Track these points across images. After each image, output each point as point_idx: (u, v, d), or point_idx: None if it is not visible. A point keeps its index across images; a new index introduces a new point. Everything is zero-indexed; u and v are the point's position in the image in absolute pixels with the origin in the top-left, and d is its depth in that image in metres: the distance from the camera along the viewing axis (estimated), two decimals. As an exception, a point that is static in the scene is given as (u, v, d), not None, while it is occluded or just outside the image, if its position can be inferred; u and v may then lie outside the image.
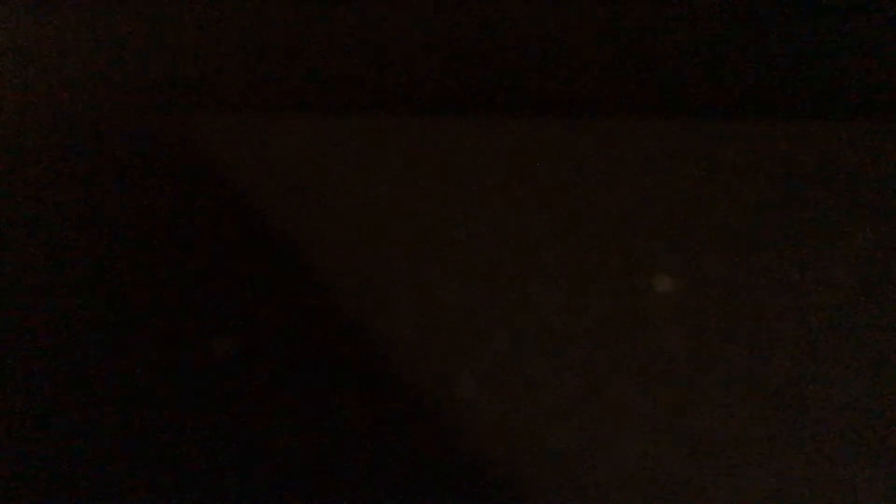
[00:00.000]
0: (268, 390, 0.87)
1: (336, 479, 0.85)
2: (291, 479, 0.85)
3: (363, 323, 0.88)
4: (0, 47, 0.96)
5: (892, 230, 0.90)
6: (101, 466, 0.85)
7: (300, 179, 0.92)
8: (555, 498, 0.84)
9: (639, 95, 0.94)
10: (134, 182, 0.92)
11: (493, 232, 0.91)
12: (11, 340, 0.88)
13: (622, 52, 0.95)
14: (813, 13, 0.94)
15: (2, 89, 0.95)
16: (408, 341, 0.88)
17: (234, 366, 0.87)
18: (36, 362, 0.87)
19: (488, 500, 0.84)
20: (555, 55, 0.95)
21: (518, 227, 0.91)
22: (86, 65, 0.95)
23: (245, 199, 0.92)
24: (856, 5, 0.94)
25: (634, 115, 0.93)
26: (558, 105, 0.94)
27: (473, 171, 0.92)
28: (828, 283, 0.89)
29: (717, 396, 0.86)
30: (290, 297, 0.89)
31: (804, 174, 0.91)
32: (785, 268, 0.90)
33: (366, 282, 0.90)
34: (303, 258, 0.90)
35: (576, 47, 0.95)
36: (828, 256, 0.90)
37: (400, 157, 0.93)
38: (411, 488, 0.85)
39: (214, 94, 0.95)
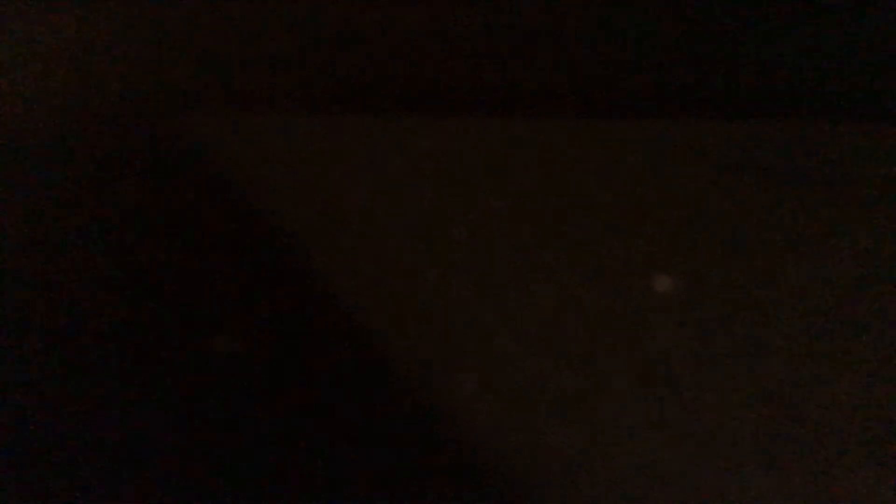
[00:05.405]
0: (267, 390, 0.87)
1: (336, 479, 0.85)
2: (290, 479, 0.85)
3: (363, 322, 0.88)
4: (0, 47, 0.96)
5: (892, 230, 0.90)
6: (99, 466, 0.85)
7: (300, 179, 0.92)
8: (555, 498, 0.84)
9: (639, 95, 0.94)
10: (133, 182, 0.92)
11: (493, 232, 0.91)
12: (11, 339, 0.88)
13: (621, 52, 0.95)
14: (813, 13, 0.94)
15: (2, 90, 0.95)
16: (408, 341, 0.88)
17: (233, 365, 0.87)
18: (35, 361, 0.87)
19: (489, 500, 0.84)
20: (554, 55, 0.95)
21: (518, 227, 0.91)
22: (86, 65, 0.95)
23: (245, 199, 0.92)
24: (856, 5, 0.94)
25: (634, 115, 0.93)
26: (558, 105, 0.94)
27: (473, 171, 0.92)
28: (827, 283, 0.89)
29: (717, 396, 0.86)
30: (290, 297, 0.89)
31: (804, 174, 0.92)
32: (784, 268, 0.90)
33: (366, 281, 0.90)
34: (303, 258, 0.90)
35: (575, 47, 0.95)
36: (827, 256, 0.90)
37: (400, 157, 0.93)
38: (412, 488, 0.85)
39: (214, 94, 0.95)
